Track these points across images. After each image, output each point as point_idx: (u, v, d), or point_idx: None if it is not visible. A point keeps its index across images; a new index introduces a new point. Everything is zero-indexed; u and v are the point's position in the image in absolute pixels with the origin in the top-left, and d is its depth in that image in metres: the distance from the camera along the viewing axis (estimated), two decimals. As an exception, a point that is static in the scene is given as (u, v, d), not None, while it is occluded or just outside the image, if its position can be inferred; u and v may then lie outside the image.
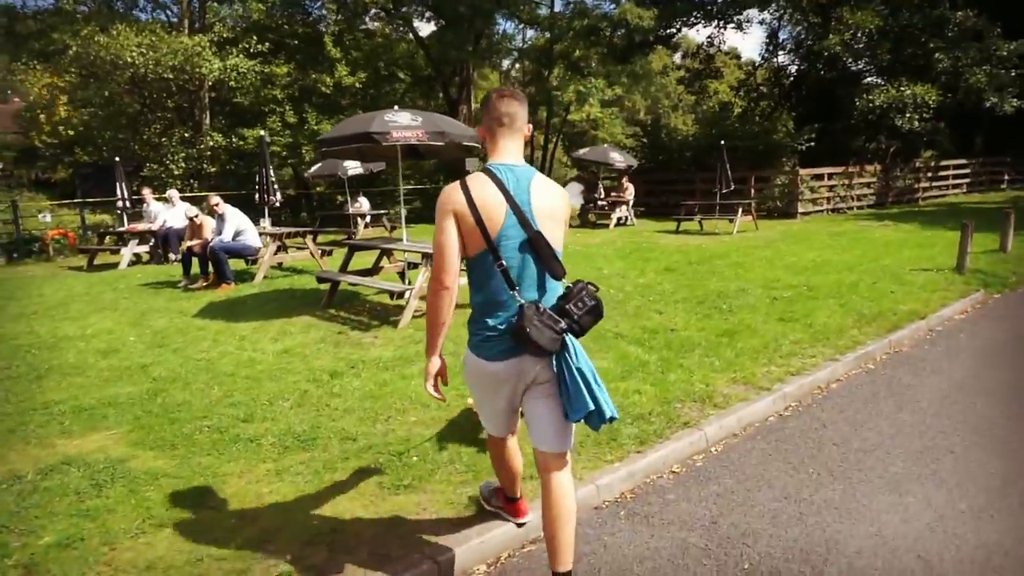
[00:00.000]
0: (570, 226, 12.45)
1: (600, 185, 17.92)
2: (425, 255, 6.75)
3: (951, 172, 22.26)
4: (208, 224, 9.55)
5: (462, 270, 2.46)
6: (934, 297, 7.19)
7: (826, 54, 20.62)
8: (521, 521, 3.00)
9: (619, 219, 16.48)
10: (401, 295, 7.02)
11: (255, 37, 19.05)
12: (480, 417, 2.79)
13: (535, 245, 2.38)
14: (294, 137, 19.98)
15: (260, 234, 9.93)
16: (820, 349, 5.46)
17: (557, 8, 25.59)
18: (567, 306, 2.40)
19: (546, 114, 26.10)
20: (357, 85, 21.17)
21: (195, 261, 9.39)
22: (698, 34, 63.95)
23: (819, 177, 18.23)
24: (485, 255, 2.39)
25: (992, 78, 18.32)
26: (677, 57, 31.20)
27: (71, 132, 20.78)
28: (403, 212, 8.97)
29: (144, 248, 12.59)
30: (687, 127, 29.84)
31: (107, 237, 13.93)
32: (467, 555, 2.85)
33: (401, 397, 4.56)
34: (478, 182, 2.40)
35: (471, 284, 2.51)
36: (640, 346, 5.60)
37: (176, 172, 18.90)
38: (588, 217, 16.97)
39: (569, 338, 2.39)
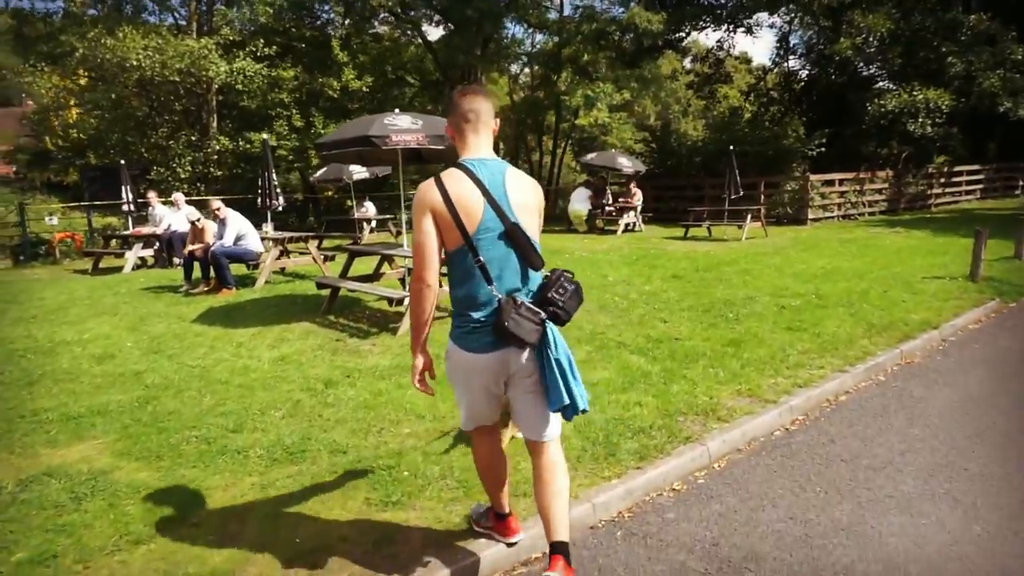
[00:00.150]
0: (577, 232, 12.22)
1: (608, 190, 17.77)
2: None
3: (964, 178, 21.96)
4: (210, 228, 9.48)
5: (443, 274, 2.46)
6: (947, 306, 7.01)
7: (837, 58, 20.37)
8: (511, 541, 2.87)
9: (627, 225, 16.32)
10: (400, 302, 6.92)
11: (262, 40, 19.04)
12: (462, 412, 2.74)
13: (513, 237, 2.44)
14: (301, 141, 19.93)
15: (262, 239, 9.86)
16: (829, 360, 5.30)
17: (566, 12, 25.54)
18: (548, 294, 2.45)
19: (555, 119, 25.98)
20: (364, 89, 21.10)
21: (197, 266, 9.32)
22: (708, 38, 63.60)
23: (830, 183, 18.02)
24: (464, 251, 2.43)
25: (1006, 82, 18.02)
26: (687, 62, 31.00)
27: (82, 136, 20.84)
28: (403, 217, 8.86)
29: (149, 252, 12.56)
30: (697, 132, 29.64)
31: (112, 240, 13.92)
32: (455, 578, 2.72)
33: (396, 407, 4.44)
34: (453, 178, 2.45)
35: (451, 280, 2.54)
36: (643, 356, 5.46)
37: (183, 175, 18.90)
38: (596, 223, 16.81)
39: (550, 328, 2.44)
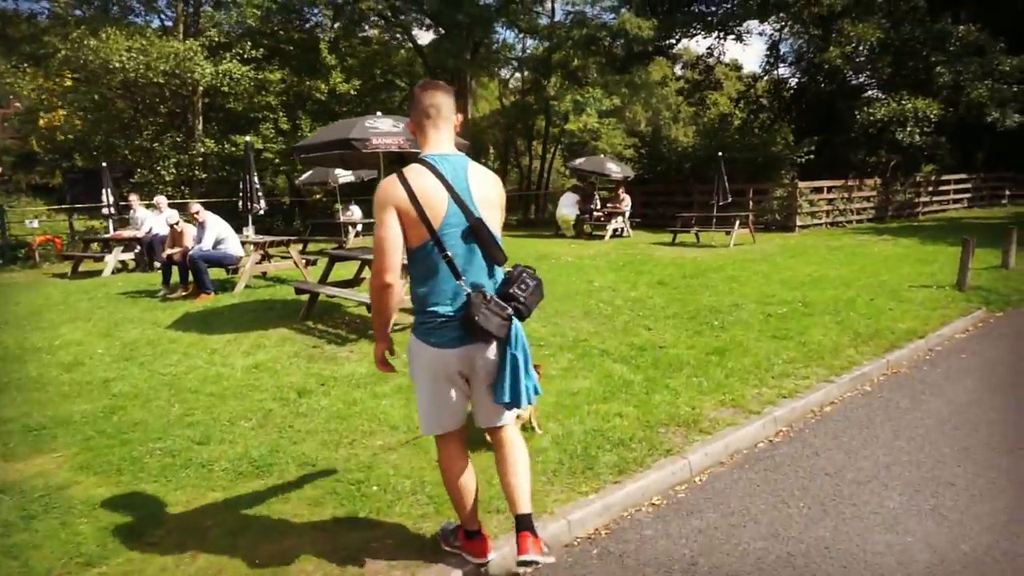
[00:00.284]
0: (565, 237, 12.08)
1: (596, 196, 17.68)
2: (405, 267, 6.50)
3: (952, 187, 22.04)
4: (189, 232, 9.30)
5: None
6: (934, 315, 6.94)
7: (827, 67, 20.45)
8: (481, 562, 2.74)
9: (615, 230, 16.22)
10: (381, 308, 6.76)
11: (249, 43, 18.84)
12: (423, 416, 2.69)
13: (477, 232, 2.43)
14: (287, 144, 19.73)
15: (243, 243, 9.68)
16: (814, 369, 5.20)
17: (557, 17, 25.49)
18: (511, 290, 2.48)
19: (544, 123, 25.91)
20: (352, 92, 20.94)
21: (175, 270, 9.14)
22: (698, 45, 63.77)
23: (818, 190, 18.02)
24: (429, 247, 2.41)
25: (994, 93, 18.12)
26: (677, 68, 31.01)
27: (70, 137, 20.54)
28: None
29: (129, 255, 12.35)
30: (688, 138, 29.64)
31: (92, 244, 13.70)
32: (420, 601, 2.60)
33: (369, 418, 4.30)
34: (416, 174, 2.41)
35: (413, 276, 2.50)
36: (626, 364, 5.34)
37: (167, 178, 18.64)
38: (584, 228, 16.71)
39: (514, 323, 2.45)
